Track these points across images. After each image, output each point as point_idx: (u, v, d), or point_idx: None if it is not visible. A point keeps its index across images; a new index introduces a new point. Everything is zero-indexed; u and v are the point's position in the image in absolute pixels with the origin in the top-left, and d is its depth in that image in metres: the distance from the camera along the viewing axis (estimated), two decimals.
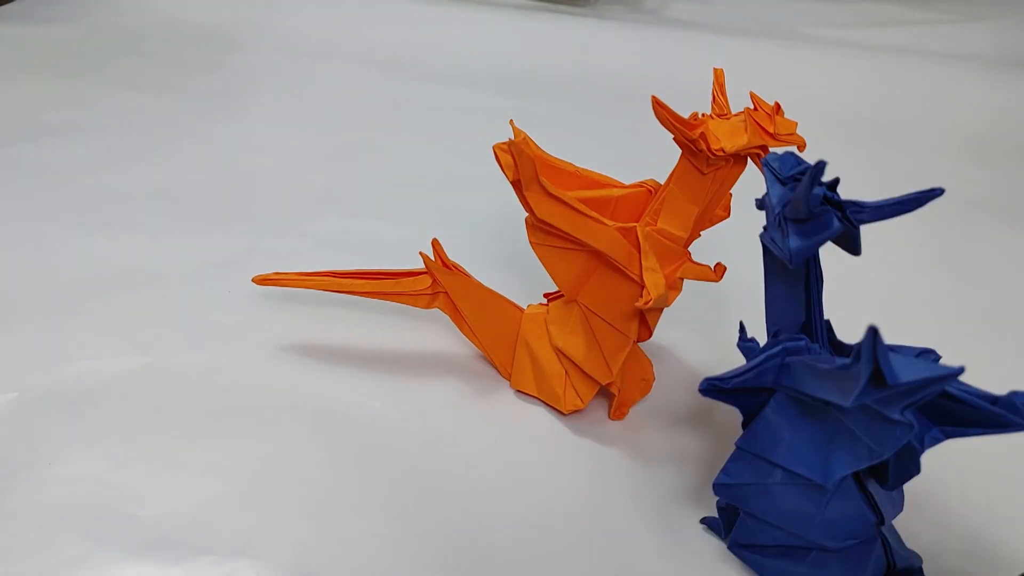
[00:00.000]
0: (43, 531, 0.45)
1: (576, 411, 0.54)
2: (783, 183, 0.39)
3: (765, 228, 0.41)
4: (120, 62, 1.09)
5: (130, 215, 0.75)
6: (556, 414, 0.55)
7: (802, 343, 0.41)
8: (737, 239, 0.73)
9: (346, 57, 1.14)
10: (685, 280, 0.51)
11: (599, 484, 0.50)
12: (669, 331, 0.60)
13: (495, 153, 0.46)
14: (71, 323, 0.61)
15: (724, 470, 0.44)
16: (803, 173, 0.39)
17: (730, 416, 0.56)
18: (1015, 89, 1.03)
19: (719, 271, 0.51)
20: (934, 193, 0.36)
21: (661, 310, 0.52)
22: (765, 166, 0.40)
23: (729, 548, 0.46)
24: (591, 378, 0.53)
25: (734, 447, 0.44)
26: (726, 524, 0.46)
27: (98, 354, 0.58)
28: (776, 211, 0.39)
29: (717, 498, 0.47)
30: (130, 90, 1.01)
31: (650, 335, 0.52)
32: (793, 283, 0.42)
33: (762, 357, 0.41)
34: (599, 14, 1.27)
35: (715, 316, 0.65)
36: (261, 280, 0.56)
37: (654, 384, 0.55)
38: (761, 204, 0.41)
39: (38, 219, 0.74)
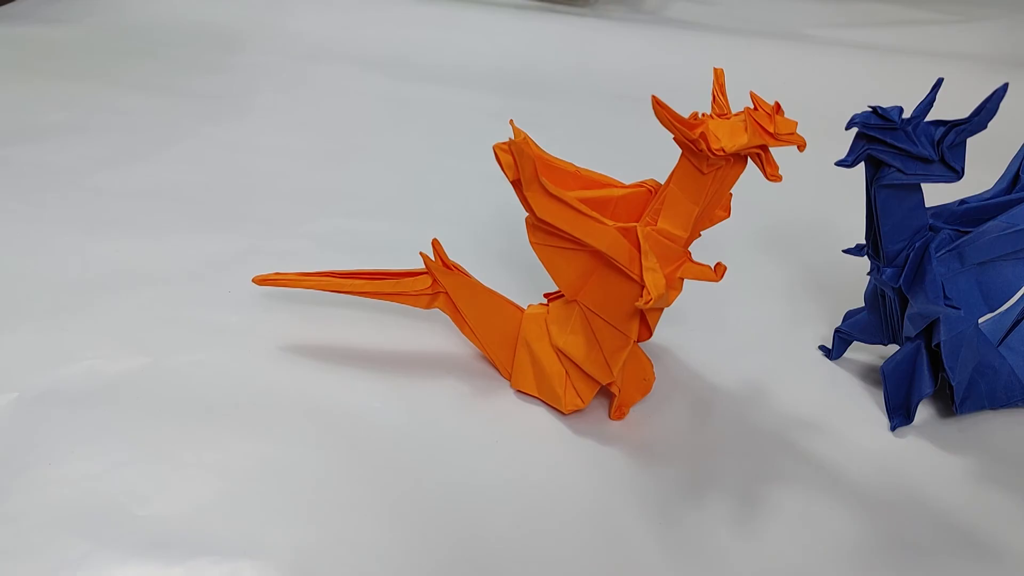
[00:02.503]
0: (43, 531, 0.45)
1: (576, 411, 0.54)
2: (898, 129, 0.47)
3: (887, 173, 0.49)
4: (121, 62, 1.09)
5: (130, 215, 0.75)
6: (556, 414, 0.55)
7: (940, 234, 0.51)
8: (737, 239, 0.73)
9: (346, 57, 1.14)
10: (685, 280, 0.51)
11: (599, 484, 0.50)
12: (669, 331, 0.60)
13: (495, 153, 0.46)
14: (71, 323, 0.61)
15: (951, 379, 0.53)
16: (909, 115, 0.48)
17: (730, 416, 0.56)
18: (1015, 89, 1.03)
19: (719, 271, 0.51)
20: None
21: (661, 310, 0.52)
22: (863, 125, 0.47)
23: (958, 412, 0.55)
24: (591, 378, 0.53)
25: (937, 347, 0.52)
26: (907, 412, 0.55)
27: (98, 354, 0.58)
28: (931, 149, 0.47)
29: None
30: (131, 90, 1.01)
31: (650, 335, 0.52)
32: (914, 195, 0.50)
33: (915, 262, 0.51)
34: (599, 14, 1.27)
35: (715, 316, 0.65)
36: (261, 280, 0.56)
37: (654, 384, 0.55)
38: (848, 162, 0.49)
39: (38, 219, 0.73)
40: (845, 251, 0.56)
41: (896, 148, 0.47)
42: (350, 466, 0.51)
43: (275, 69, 1.10)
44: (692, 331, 0.63)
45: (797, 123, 0.45)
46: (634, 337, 0.51)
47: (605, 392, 0.55)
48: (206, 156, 0.87)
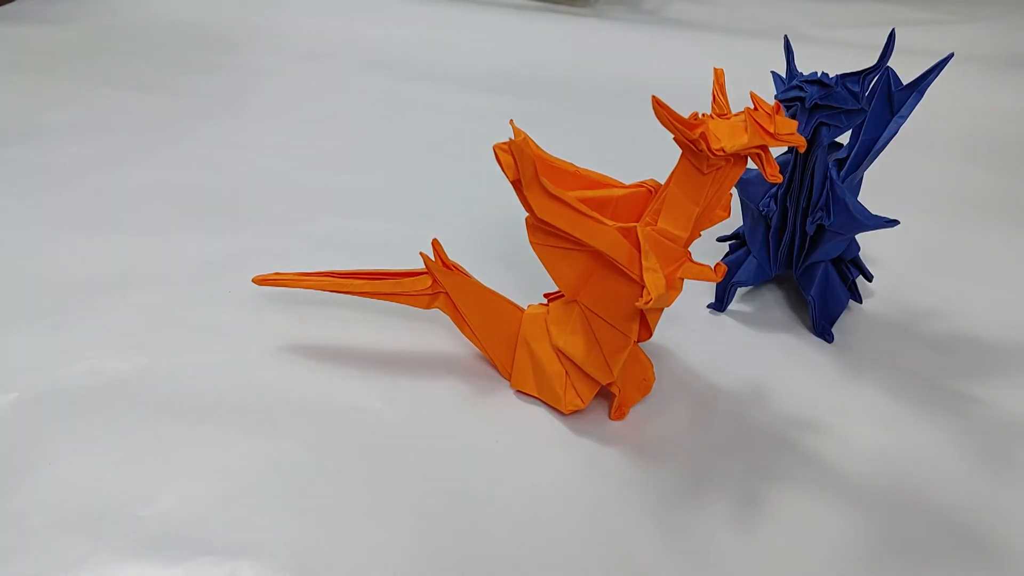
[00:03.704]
0: (43, 531, 0.45)
1: (576, 411, 0.54)
2: (835, 89, 0.53)
3: (826, 135, 0.54)
4: (120, 62, 1.09)
5: (130, 215, 0.75)
6: (556, 414, 0.55)
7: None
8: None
9: (345, 57, 1.14)
10: (685, 280, 0.51)
11: (599, 484, 0.50)
12: (669, 331, 0.60)
13: (495, 153, 0.46)
14: (71, 323, 0.61)
15: (869, 278, 0.64)
16: (787, 86, 0.55)
17: (730, 416, 0.56)
18: (1015, 89, 1.03)
19: (719, 271, 0.51)
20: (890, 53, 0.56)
21: (661, 310, 0.52)
22: (822, 98, 0.52)
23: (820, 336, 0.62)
24: (591, 378, 0.53)
25: (851, 262, 0.63)
26: (832, 324, 0.62)
27: (98, 354, 0.58)
28: (859, 101, 0.54)
29: None
30: (130, 90, 1.01)
31: (650, 335, 0.52)
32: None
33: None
34: (599, 14, 1.27)
35: (715, 316, 0.65)
36: (261, 280, 0.56)
37: (654, 384, 0.55)
38: (807, 136, 0.53)
39: (38, 219, 0.74)
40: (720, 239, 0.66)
41: (837, 109, 0.53)
42: (350, 466, 0.51)
43: (275, 69, 1.10)
44: (692, 331, 0.63)
45: (797, 123, 0.45)
46: (634, 337, 0.51)
47: (605, 392, 0.55)
48: (206, 156, 0.87)
